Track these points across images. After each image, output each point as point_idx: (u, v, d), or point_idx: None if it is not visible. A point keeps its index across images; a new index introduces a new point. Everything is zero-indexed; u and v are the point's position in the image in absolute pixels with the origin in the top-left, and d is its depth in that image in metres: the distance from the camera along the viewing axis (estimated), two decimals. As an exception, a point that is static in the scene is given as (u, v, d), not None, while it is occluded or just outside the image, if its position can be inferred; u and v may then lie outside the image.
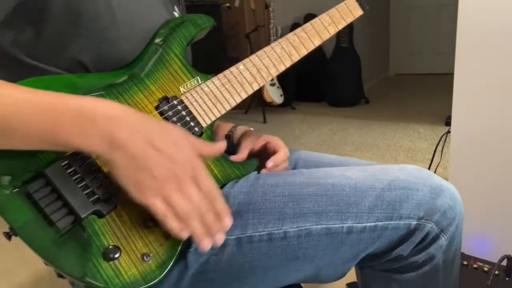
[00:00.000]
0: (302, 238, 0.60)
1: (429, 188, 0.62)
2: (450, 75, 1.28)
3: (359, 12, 0.83)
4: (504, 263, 1.02)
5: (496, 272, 1.01)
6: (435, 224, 0.62)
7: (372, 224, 0.61)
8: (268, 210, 0.61)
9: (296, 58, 0.76)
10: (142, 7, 0.66)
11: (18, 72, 0.59)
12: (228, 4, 3.85)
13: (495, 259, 1.03)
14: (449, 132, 1.34)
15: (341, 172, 0.66)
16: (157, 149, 0.50)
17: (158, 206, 0.50)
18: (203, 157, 0.54)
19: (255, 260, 0.61)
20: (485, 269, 1.05)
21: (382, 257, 0.65)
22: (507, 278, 1.01)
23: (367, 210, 0.61)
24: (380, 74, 5.11)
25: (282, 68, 0.75)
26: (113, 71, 0.63)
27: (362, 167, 0.68)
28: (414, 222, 0.61)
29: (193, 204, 0.51)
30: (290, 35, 0.76)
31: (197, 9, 3.44)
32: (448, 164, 1.43)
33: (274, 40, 4.11)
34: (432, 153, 1.86)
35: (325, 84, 3.98)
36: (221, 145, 0.58)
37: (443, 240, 0.63)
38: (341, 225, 0.60)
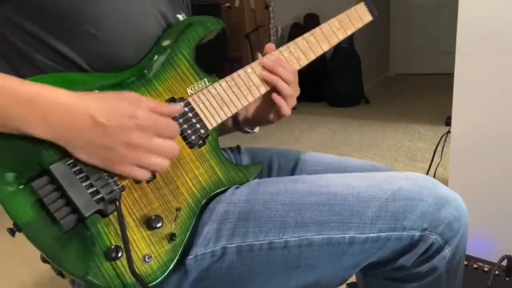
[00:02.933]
0: (303, 248, 0.60)
1: (434, 199, 0.61)
2: (450, 75, 1.28)
3: (368, 17, 0.82)
4: (504, 263, 1.01)
5: (496, 272, 1.01)
6: (439, 236, 0.60)
7: (375, 235, 0.60)
8: (269, 218, 0.60)
9: (303, 62, 0.76)
10: (131, 6, 0.65)
11: (18, 64, 0.60)
12: (228, 4, 3.85)
13: (495, 259, 1.03)
14: (449, 132, 1.34)
15: (345, 180, 0.64)
16: (103, 125, 0.51)
17: (136, 174, 0.54)
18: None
19: (255, 269, 0.61)
20: (485, 269, 1.05)
21: (385, 266, 0.64)
22: (507, 278, 1.01)
23: (370, 220, 0.60)
24: (380, 74, 5.11)
25: None
26: (121, 71, 0.62)
27: (367, 174, 0.67)
28: (417, 234, 0.60)
29: (163, 151, 0.55)
30: (299, 39, 0.75)
31: (197, 9, 3.42)
32: (448, 164, 1.43)
33: (274, 40, 4.08)
34: (432, 153, 1.86)
35: (325, 84, 3.98)
36: (178, 107, 0.60)
37: (447, 252, 0.62)
38: (343, 235, 0.59)
